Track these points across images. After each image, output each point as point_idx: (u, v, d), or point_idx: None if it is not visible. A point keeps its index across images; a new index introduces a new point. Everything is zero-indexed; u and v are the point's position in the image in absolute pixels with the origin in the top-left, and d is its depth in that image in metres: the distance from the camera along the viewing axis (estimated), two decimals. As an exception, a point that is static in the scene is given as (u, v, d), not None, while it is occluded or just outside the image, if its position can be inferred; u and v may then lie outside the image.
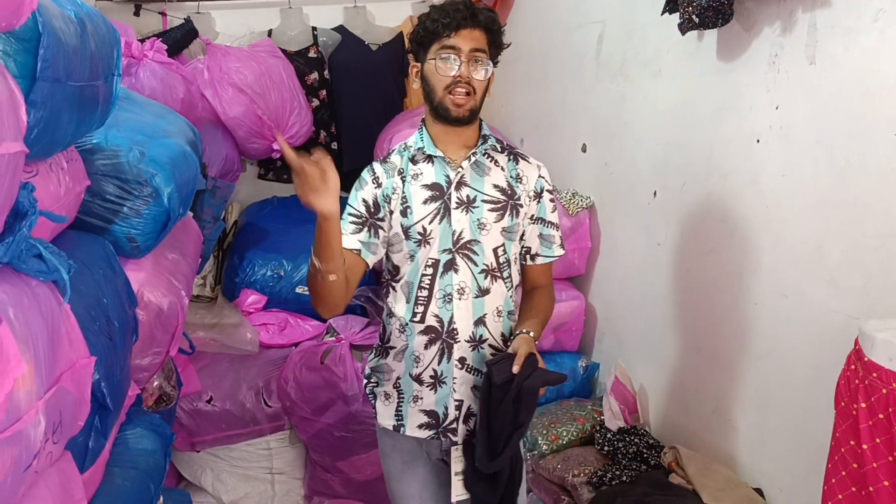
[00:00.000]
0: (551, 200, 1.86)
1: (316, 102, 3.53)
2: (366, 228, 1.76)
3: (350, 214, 1.78)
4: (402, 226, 1.76)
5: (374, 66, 3.60)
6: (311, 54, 3.51)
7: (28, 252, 1.01)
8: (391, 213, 1.77)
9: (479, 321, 1.78)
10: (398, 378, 1.83)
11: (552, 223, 1.86)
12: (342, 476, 2.85)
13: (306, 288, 3.11)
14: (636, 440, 2.42)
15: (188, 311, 1.95)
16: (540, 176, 1.84)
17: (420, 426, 1.81)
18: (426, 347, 1.78)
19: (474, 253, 1.76)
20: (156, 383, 1.98)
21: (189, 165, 1.85)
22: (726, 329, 2.20)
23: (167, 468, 1.73)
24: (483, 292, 1.77)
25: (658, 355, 2.57)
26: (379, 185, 1.78)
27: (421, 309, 1.77)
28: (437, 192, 1.76)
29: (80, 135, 1.38)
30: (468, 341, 1.78)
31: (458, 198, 1.75)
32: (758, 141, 2.01)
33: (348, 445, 2.80)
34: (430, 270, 1.76)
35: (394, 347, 1.83)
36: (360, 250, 1.75)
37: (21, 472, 0.90)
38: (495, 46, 1.74)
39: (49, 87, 1.11)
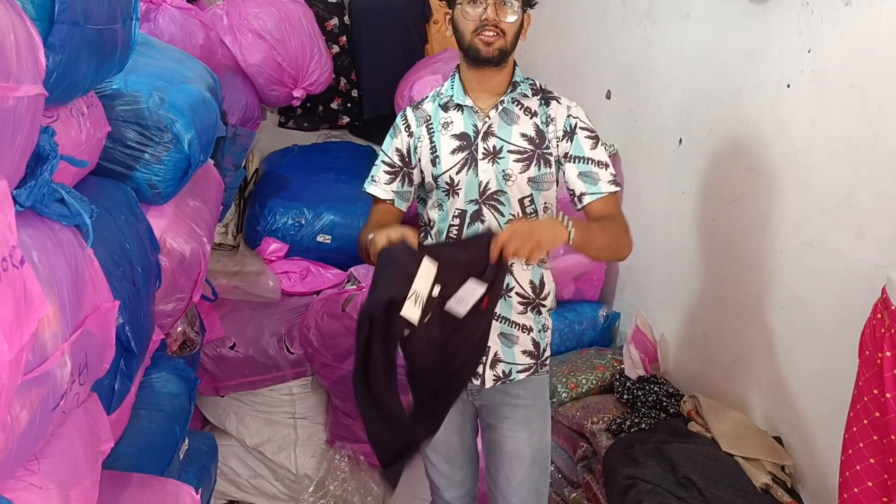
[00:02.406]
0: (589, 137, 1.75)
1: (336, 49, 3.48)
2: (399, 178, 1.81)
3: (384, 163, 1.81)
4: (432, 175, 1.76)
5: (394, 11, 3.53)
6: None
7: (50, 196, 1.01)
8: (420, 160, 1.78)
9: (507, 270, 1.72)
10: None
11: (593, 160, 1.74)
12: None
13: (328, 236, 3.13)
14: (656, 389, 2.43)
15: (210, 258, 1.96)
16: (569, 115, 1.76)
17: None
18: None
19: (500, 203, 1.75)
20: (179, 329, 2.01)
21: (209, 112, 1.84)
22: (750, 278, 2.18)
23: (192, 411, 1.76)
24: None
25: (680, 305, 2.56)
26: (411, 135, 1.80)
27: None
28: (465, 143, 1.75)
29: (100, 79, 1.37)
30: None
31: (484, 148, 1.73)
32: (788, 86, 1.96)
33: (369, 392, 2.84)
34: (457, 221, 1.76)
35: None
36: (393, 200, 1.81)
37: (49, 411, 0.91)
38: None
39: (67, 30, 1.10)
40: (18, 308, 0.67)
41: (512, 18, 1.66)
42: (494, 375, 1.82)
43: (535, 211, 1.77)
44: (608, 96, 2.93)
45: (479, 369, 1.81)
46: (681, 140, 2.48)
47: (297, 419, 2.96)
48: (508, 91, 1.76)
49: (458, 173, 1.74)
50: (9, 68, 0.86)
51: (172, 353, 1.98)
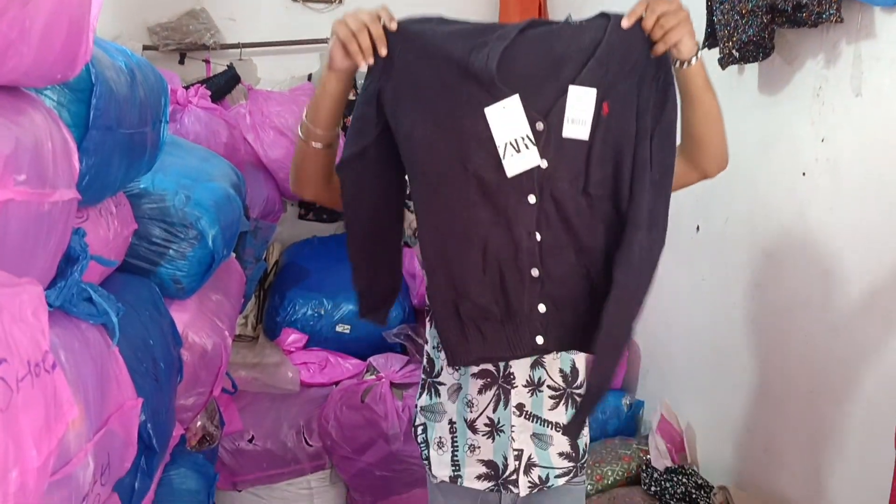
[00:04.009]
0: None
1: (355, 143, 3.57)
2: None
3: None
4: None
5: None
6: (350, 97, 3.56)
7: (79, 296, 1.03)
8: None
9: (537, 362, 1.62)
10: (452, 421, 1.66)
11: None
12: (383, 516, 2.83)
13: (347, 325, 3.13)
14: (684, 480, 2.35)
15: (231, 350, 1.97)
16: None
17: (479, 477, 1.65)
18: (480, 392, 1.61)
19: None
20: (199, 423, 1.99)
21: (233, 208, 1.88)
22: (775, 365, 2.14)
23: (211, 509, 1.74)
24: None
25: (705, 392, 2.51)
26: None
27: None
28: None
29: (129, 180, 1.42)
30: (525, 385, 1.61)
31: None
32: (803, 174, 1.98)
33: (389, 485, 2.78)
34: None
35: (444, 384, 1.66)
36: None
37: (70, 515, 0.90)
38: None
39: (101, 135, 1.14)
40: (48, 413, 0.67)
41: None
42: (530, 482, 1.64)
43: None
44: (623, 184, 2.97)
45: (515, 476, 1.62)
46: (698, 227, 2.49)
47: (315, 514, 2.90)
48: None
49: None
50: (45, 175, 0.89)
51: (191, 448, 1.96)
